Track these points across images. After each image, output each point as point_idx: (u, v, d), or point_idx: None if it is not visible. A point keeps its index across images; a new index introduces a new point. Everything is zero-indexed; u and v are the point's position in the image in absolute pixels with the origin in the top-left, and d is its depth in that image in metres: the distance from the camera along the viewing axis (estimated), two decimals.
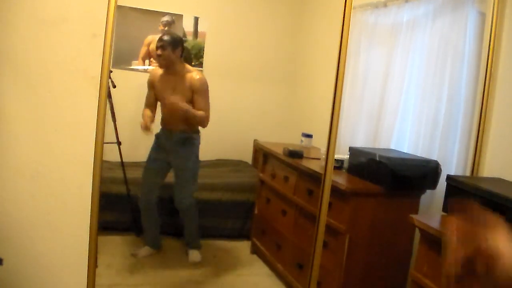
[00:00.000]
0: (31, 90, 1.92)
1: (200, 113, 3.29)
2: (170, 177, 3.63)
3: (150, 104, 3.50)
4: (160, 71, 3.45)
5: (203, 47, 4.67)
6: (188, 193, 3.45)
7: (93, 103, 1.90)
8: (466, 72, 2.60)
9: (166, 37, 3.29)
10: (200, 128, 3.48)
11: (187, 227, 3.56)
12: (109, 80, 3.26)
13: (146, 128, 3.31)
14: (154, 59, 4.55)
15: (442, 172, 2.56)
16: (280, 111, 4.93)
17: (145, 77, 4.44)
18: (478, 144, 2.49)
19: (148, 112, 3.45)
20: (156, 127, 3.58)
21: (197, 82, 3.31)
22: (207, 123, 3.37)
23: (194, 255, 3.54)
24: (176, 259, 3.53)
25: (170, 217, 3.77)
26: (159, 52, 3.29)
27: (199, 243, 3.62)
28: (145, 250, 3.54)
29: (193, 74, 3.34)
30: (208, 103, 3.35)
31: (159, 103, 3.52)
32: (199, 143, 3.49)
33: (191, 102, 3.31)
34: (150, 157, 3.53)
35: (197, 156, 3.51)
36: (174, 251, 3.66)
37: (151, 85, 3.49)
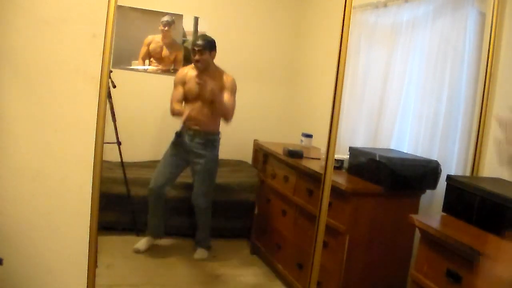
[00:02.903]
0: (31, 90, 1.92)
1: (228, 103, 3.33)
2: (183, 177, 3.67)
3: (179, 101, 3.49)
4: (190, 70, 3.50)
5: None
6: (209, 195, 3.52)
7: (93, 103, 1.90)
8: (466, 72, 2.60)
9: (201, 41, 3.38)
10: (220, 138, 3.57)
11: (201, 229, 3.61)
12: (109, 80, 3.26)
13: (182, 114, 3.36)
14: (155, 59, 4.56)
15: (442, 172, 2.56)
16: (280, 111, 4.92)
17: (145, 77, 4.47)
18: (478, 144, 2.49)
19: (178, 106, 3.46)
20: (177, 124, 3.57)
21: (229, 80, 3.43)
22: (231, 118, 3.42)
23: (201, 253, 3.58)
24: (176, 259, 3.53)
25: (172, 217, 3.77)
26: (197, 57, 3.36)
27: (209, 243, 3.67)
28: (145, 241, 3.58)
29: (224, 74, 3.47)
30: (235, 101, 3.43)
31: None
32: (219, 145, 3.56)
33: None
34: (168, 152, 3.57)
35: (217, 158, 3.57)
36: (175, 251, 3.66)
37: (181, 82, 3.49)
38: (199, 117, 3.43)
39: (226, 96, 3.37)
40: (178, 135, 3.54)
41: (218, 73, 3.45)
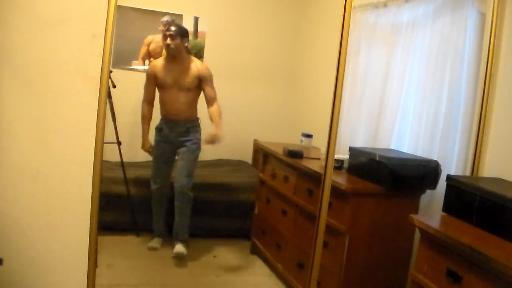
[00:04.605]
0: (31, 90, 1.91)
1: (216, 111, 3.45)
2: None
3: (150, 99, 3.61)
4: (161, 62, 3.55)
5: (203, 47, 4.67)
6: (190, 176, 3.51)
7: (93, 103, 1.90)
8: (466, 72, 2.60)
9: (174, 27, 3.44)
10: (200, 123, 3.64)
11: (180, 218, 3.52)
12: (109, 80, 3.26)
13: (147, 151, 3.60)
14: (155, 59, 4.55)
15: (442, 172, 2.56)
16: (280, 111, 4.92)
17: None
18: (478, 144, 2.49)
19: (147, 116, 3.60)
20: (156, 118, 3.64)
21: (204, 71, 3.49)
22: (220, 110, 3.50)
23: (179, 248, 3.48)
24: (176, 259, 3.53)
25: (170, 217, 3.77)
26: (168, 41, 3.40)
27: (186, 237, 3.59)
28: (158, 241, 3.68)
29: (197, 63, 3.52)
30: (214, 89, 3.51)
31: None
32: (200, 129, 3.62)
33: (196, 89, 3.50)
34: (157, 152, 3.61)
35: (199, 142, 3.60)
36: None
37: (152, 77, 3.55)
38: (176, 106, 3.49)
39: (208, 92, 3.45)
40: (159, 129, 3.61)
41: (189, 61, 3.50)
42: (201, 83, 3.47)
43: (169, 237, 3.71)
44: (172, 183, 3.61)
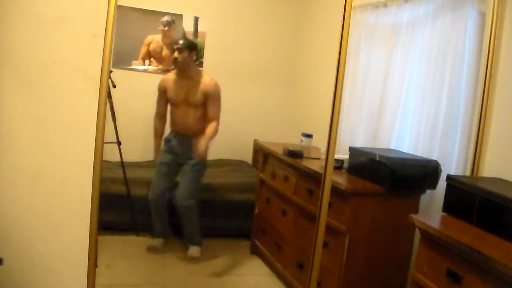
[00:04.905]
0: (31, 90, 1.91)
1: (212, 127, 3.37)
2: None
3: (161, 113, 3.59)
4: (172, 76, 3.53)
5: (203, 47, 4.67)
6: (194, 195, 3.49)
7: (93, 103, 1.90)
8: (466, 72, 2.60)
9: (182, 41, 3.39)
10: None
11: (187, 227, 3.59)
12: (109, 80, 3.26)
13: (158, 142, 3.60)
14: (155, 59, 4.56)
15: (442, 172, 2.56)
16: (280, 111, 4.93)
17: (145, 77, 4.47)
18: (478, 144, 2.49)
19: (159, 131, 3.61)
20: (166, 130, 3.63)
21: (211, 88, 3.40)
22: (218, 128, 3.46)
23: (194, 250, 3.57)
24: (176, 259, 3.53)
25: (170, 217, 3.77)
26: (176, 55, 3.37)
27: (199, 239, 3.64)
28: (159, 241, 3.65)
29: (206, 79, 3.43)
30: (220, 110, 3.45)
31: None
32: (208, 148, 3.53)
33: (204, 105, 3.42)
34: (161, 161, 3.59)
35: (206, 160, 3.56)
36: (174, 251, 3.66)
37: (163, 91, 3.54)
38: (185, 121, 3.46)
39: (211, 110, 3.39)
40: (167, 140, 3.59)
41: (198, 75, 3.44)
42: (206, 99, 3.40)
43: (170, 236, 3.73)
44: (170, 192, 3.59)
